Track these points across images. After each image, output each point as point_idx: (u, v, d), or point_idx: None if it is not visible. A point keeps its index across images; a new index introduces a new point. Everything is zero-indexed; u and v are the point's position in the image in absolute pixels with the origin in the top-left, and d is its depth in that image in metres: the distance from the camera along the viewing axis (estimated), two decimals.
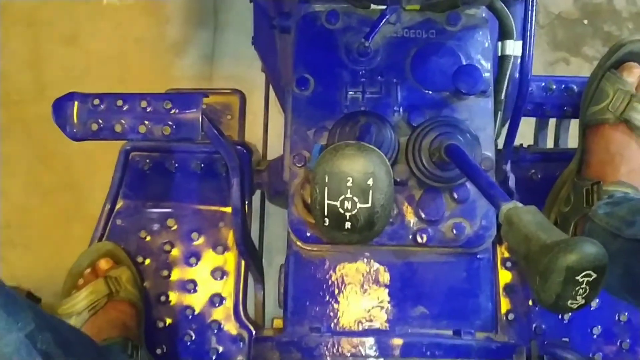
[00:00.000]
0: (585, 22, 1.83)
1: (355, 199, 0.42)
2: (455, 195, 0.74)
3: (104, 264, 0.99)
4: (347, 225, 0.43)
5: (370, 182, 0.42)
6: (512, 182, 0.85)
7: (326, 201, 0.43)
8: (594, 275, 0.45)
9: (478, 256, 0.76)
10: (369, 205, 0.42)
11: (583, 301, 0.46)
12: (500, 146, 0.87)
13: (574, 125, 1.08)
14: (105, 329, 0.94)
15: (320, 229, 0.42)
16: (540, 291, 0.46)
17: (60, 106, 0.80)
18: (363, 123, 0.69)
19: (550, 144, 1.15)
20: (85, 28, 1.75)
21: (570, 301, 0.46)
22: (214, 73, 1.76)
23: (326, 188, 0.43)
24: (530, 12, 0.70)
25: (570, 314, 1.00)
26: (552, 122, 1.14)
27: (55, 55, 1.73)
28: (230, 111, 1.20)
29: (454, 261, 0.76)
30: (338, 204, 0.42)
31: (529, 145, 1.07)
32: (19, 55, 1.72)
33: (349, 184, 0.42)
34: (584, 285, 0.45)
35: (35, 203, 1.62)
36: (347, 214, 0.43)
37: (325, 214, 0.43)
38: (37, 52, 1.73)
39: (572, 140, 1.12)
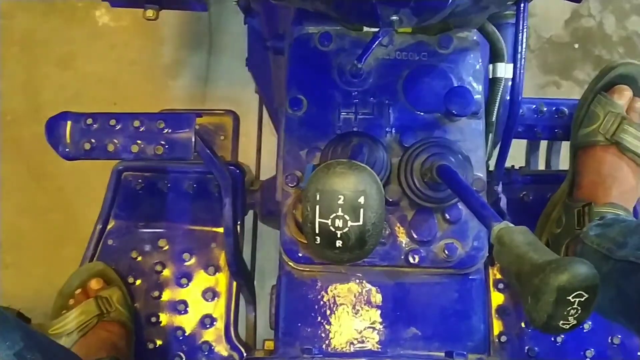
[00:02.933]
0: (576, 46, 1.85)
1: (347, 217, 0.42)
2: (447, 216, 0.74)
3: (94, 284, 0.99)
4: (338, 243, 0.43)
5: (361, 200, 0.42)
6: (503, 204, 0.86)
7: (317, 219, 0.42)
8: (586, 296, 0.44)
9: (470, 277, 0.75)
10: (360, 223, 0.42)
11: (575, 322, 0.46)
12: (492, 168, 0.87)
13: (565, 147, 1.08)
14: (95, 350, 0.93)
15: (311, 247, 0.41)
16: (532, 311, 0.46)
17: (53, 125, 0.80)
18: (355, 143, 0.69)
19: (541, 165, 1.16)
20: (80, 50, 1.76)
21: (561, 321, 0.45)
22: (208, 95, 1.77)
23: (317, 206, 0.42)
24: (521, 34, 0.71)
25: (563, 336, 1.00)
26: (543, 144, 1.15)
27: (50, 76, 1.73)
28: (224, 132, 1.20)
29: (446, 282, 0.75)
30: (329, 222, 0.42)
31: (520, 167, 1.08)
32: (14, 76, 1.72)
33: (340, 202, 0.42)
34: (575, 306, 0.44)
35: (28, 223, 1.61)
36: (339, 232, 0.42)
37: (317, 232, 0.43)
38: (32, 73, 1.73)
39: (563, 162, 1.12)
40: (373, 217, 0.42)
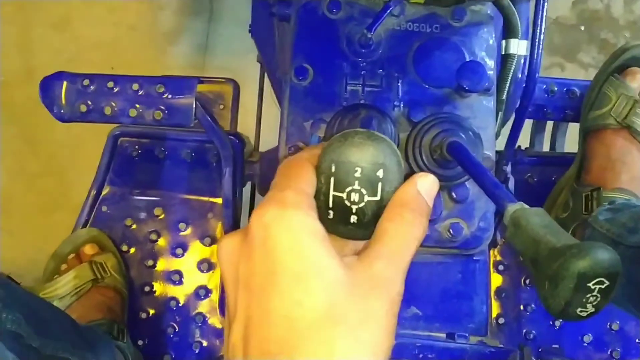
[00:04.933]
0: (582, 28, 1.82)
1: (364, 191, 0.39)
2: (454, 195, 0.72)
3: (89, 249, 0.97)
4: (353, 219, 0.40)
5: (380, 173, 0.39)
6: (511, 184, 0.83)
7: (331, 192, 0.39)
8: (607, 283, 0.42)
9: (474, 258, 0.74)
10: (377, 198, 0.39)
11: (593, 309, 0.44)
12: (499, 147, 0.85)
13: (570, 129, 1.06)
14: (89, 313, 0.91)
15: (323, 222, 0.39)
16: (549, 297, 0.44)
17: (48, 85, 0.77)
18: (364, 116, 0.67)
19: (545, 147, 1.13)
20: (77, 12, 1.71)
21: (579, 309, 0.43)
22: (207, 63, 1.73)
23: (332, 178, 0.39)
24: (541, 8, 0.68)
25: (561, 320, 0.98)
26: (549, 125, 1.12)
27: (45, 38, 1.69)
28: (223, 101, 1.17)
29: (449, 262, 0.74)
30: (344, 195, 0.39)
31: (526, 148, 1.06)
32: (9, 36, 1.68)
33: (357, 174, 0.39)
34: (595, 293, 0.42)
35: (19, 188, 1.58)
36: (354, 207, 0.39)
37: (330, 206, 0.39)
38: (28, 34, 1.69)
39: (568, 145, 1.10)
40: (391, 192, 0.39)
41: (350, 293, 0.36)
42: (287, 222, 0.36)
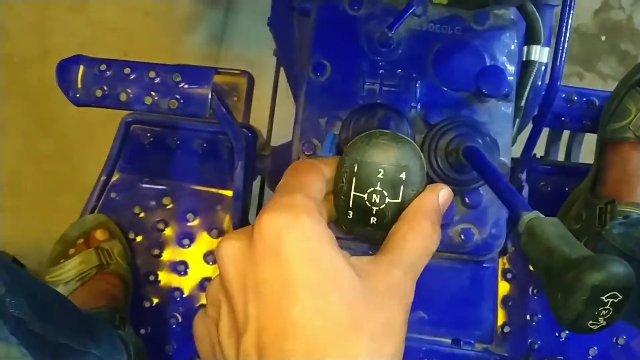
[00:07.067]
0: (603, 38, 1.80)
1: (385, 192, 0.38)
2: (467, 200, 0.71)
3: (100, 234, 0.96)
4: (373, 220, 0.39)
5: (402, 176, 0.38)
6: (525, 192, 0.83)
7: (353, 192, 0.39)
8: (620, 297, 0.42)
9: (484, 265, 0.73)
10: (398, 200, 0.38)
11: (604, 323, 0.43)
12: (514, 154, 0.84)
13: (586, 139, 1.05)
14: (92, 299, 0.91)
15: (342, 221, 0.38)
16: (561, 308, 0.43)
17: (64, 68, 0.77)
18: (381, 116, 0.66)
19: (560, 156, 1.12)
20: None
21: (591, 322, 0.43)
22: (222, 54, 1.73)
23: (354, 178, 0.38)
24: (566, 16, 0.67)
25: (567, 332, 0.98)
26: (565, 134, 1.11)
27: (61, 20, 1.69)
28: (237, 93, 1.17)
29: (458, 268, 0.73)
30: (365, 196, 0.39)
31: (541, 157, 1.05)
32: (24, 17, 1.68)
33: (380, 176, 0.38)
34: (607, 306, 0.42)
35: (28, 169, 1.58)
36: (374, 209, 0.39)
37: (350, 206, 0.39)
38: (43, 15, 1.69)
39: (583, 155, 1.09)
40: (412, 194, 0.39)
41: (369, 301, 0.35)
42: (301, 230, 0.35)
